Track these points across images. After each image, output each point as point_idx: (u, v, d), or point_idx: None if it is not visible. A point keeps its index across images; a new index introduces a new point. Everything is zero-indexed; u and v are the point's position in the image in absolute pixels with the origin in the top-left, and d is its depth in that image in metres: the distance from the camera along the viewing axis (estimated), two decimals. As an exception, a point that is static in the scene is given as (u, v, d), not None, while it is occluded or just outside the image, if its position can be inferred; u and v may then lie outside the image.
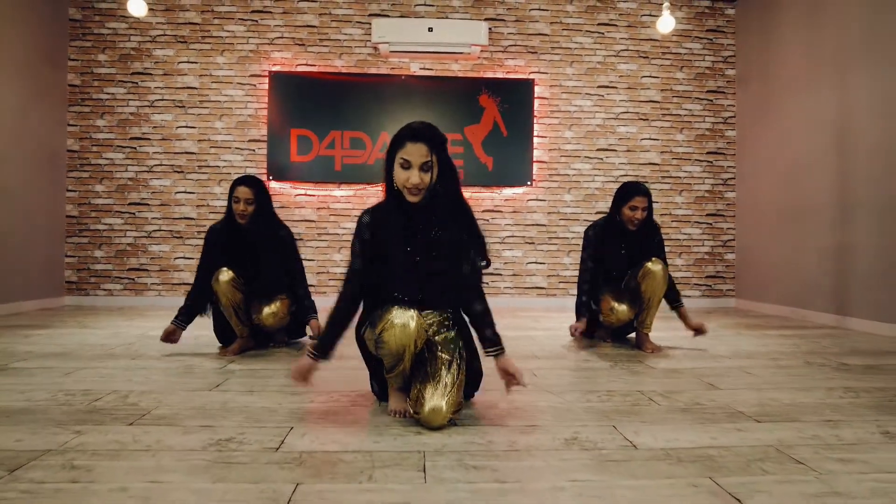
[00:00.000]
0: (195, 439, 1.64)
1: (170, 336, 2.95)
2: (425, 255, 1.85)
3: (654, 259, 3.13)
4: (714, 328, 4.13)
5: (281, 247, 3.11)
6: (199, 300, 3.02)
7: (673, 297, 3.28)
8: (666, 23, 3.90)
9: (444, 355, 1.84)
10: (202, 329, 3.57)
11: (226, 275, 2.90)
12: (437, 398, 1.74)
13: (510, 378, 1.88)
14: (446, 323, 1.95)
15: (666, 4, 3.86)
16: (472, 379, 2.02)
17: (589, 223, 5.27)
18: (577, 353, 3.11)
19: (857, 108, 4.11)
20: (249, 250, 3.02)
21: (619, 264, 3.27)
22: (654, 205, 3.64)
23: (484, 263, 1.95)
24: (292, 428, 1.75)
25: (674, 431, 1.76)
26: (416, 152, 1.74)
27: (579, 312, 3.34)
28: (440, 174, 1.80)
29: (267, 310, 3.02)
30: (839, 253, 4.25)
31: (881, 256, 3.87)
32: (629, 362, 2.86)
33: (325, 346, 1.89)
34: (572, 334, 3.36)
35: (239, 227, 3.02)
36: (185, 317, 2.99)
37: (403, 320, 1.73)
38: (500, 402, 2.07)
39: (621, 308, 3.18)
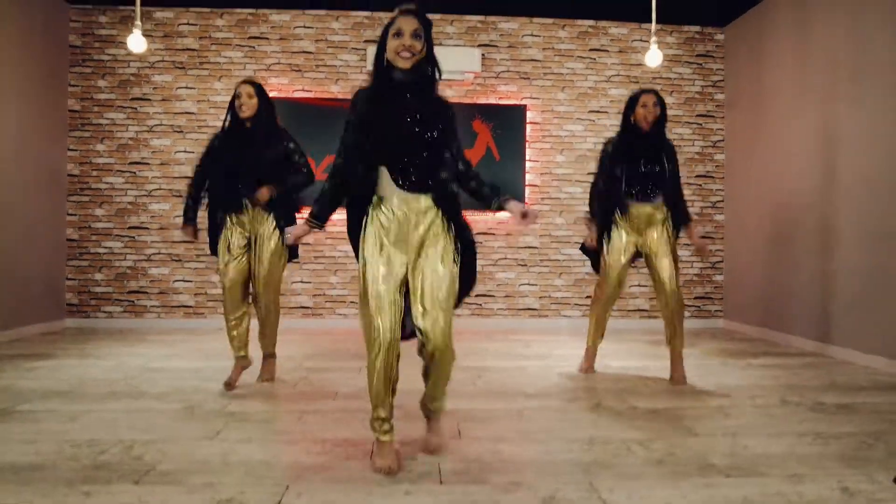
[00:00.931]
0: (198, 499, 1.75)
1: (192, 236, 3.20)
2: (420, 125, 1.93)
3: (668, 277, 3.26)
4: (700, 356, 4.26)
5: (282, 148, 3.09)
6: (196, 199, 3.20)
7: (681, 219, 3.31)
8: (654, 57, 4.01)
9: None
10: (203, 360, 3.68)
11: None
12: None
13: (524, 218, 1.96)
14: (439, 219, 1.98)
15: (654, 39, 3.97)
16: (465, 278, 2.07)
17: (579, 243, 5.39)
18: (568, 386, 3.22)
19: (841, 139, 4.22)
20: (249, 148, 3.00)
21: (638, 177, 3.24)
22: None
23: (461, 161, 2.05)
24: (288, 486, 1.86)
25: (647, 488, 1.87)
26: (407, 23, 1.89)
27: (589, 217, 3.47)
28: (428, 52, 1.94)
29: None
30: (823, 280, 4.37)
31: (863, 287, 3.99)
32: (614, 399, 2.98)
33: (321, 215, 2.05)
34: (583, 248, 3.51)
35: (242, 126, 3.02)
36: (192, 214, 3.20)
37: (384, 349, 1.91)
38: (484, 455, 2.18)
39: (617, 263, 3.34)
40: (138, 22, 3.74)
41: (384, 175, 1.96)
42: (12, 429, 2.41)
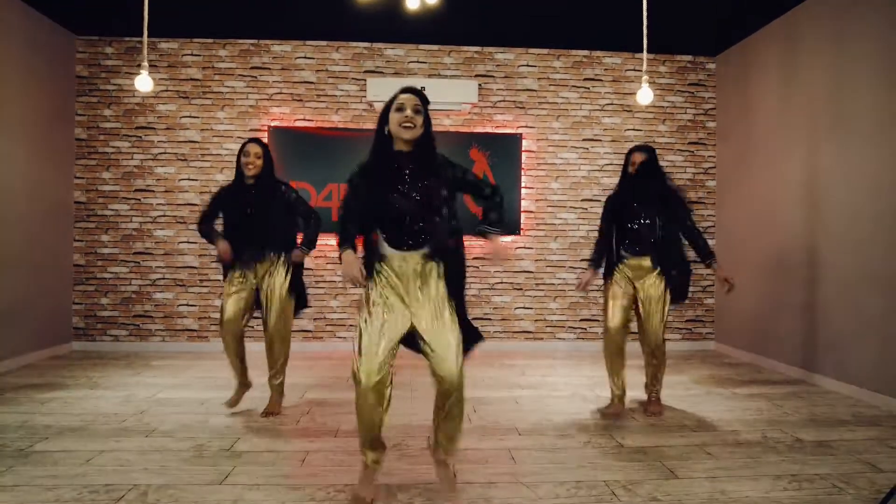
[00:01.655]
0: (210, 553, 1.89)
1: (226, 255, 3.29)
2: (418, 196, 2.12)
3: (654, 329, 3.43)
4: (688, 383, 4.41)
5: (283, 201, 3.34)
6: (210, 232, 3.41)
7: (704, 255, 3.51)
8: (645, 95, 4.15)
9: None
10: (209, 390, 3.81)
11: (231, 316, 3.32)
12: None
13: (498, 254, 2.27)
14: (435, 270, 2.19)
15: (645, 78, 4.11)
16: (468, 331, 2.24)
17: (574, 270, 5.52)
18: (559, 421, 3.36)
19: (825, 175, 4.37)
20: (252, 206, 3.26)
21: (630, 234, 3.44)
22: None
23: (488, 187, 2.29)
24: (294, 538, 2.00)
25: (628, 539, 2.02)
26: (408, 100, 2.11)
27: (592, 266, 3.58)
28: (425, 130, 2.13)
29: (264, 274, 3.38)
30: (808, 311, 4.53)
31: (845, 320, 4.14)
32: (601, 437, 3.12)
33: (348, 240, 2.20)
34: (579, 286, 3.60)
35: (245, 184, 3.29)
36: (214, 235, 3.36)
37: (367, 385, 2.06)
38: (478, 501, 2.32)
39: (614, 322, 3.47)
40: (145, 63, 3.87)
41: (382, 238, 2.17)
42: (33, 472, 2.54)
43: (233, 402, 3.47)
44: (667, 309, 3.49)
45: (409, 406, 3.63)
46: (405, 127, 2.08)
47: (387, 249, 2.17)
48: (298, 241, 3.48)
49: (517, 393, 4.07)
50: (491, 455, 2.85)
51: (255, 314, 3.52)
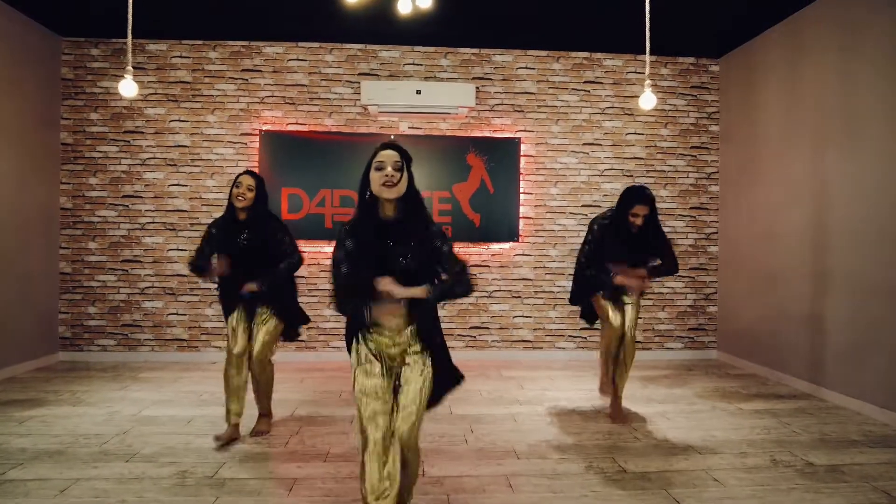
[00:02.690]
0: None
1: (220, 272, 3.19)
2: (403, 259, 2.02)
3: (629, 326, 3.63)
4: (692, 398, 4.27)
5: (272, 233, 3.24)
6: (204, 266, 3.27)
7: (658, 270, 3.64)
8: (648, 100, 4.00)
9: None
10: (196, 407, 3.67)
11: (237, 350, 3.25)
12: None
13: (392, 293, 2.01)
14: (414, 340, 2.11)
15: (648, 82, 3.96)
16: (446, 377, 2.18)
17: (569, 293, 5.41)
18: (559, 442, 3.23)
19: (830, 184, 4.24)
20: (247, 241, 3.18)
21: (619, 259, 3.53)
22: None
23: (458, 265, 2.11)
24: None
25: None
26: (388, 156, 2.01)
27: (599, 287, 3.64)
28: (408, 186, 2.03)
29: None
30: (813, 322, 4.39)
31: (852, 333, 4.01)
32: (603, 460, 2.99)
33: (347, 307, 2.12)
34: (583, 314, 3.91)
35: (236, 217, 3.19)
36: (208, 266, 3.25)
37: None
38: (474, 540, 2.19)
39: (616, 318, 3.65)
40: (129, 67, 3.68)
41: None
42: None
43: (224, 438, 3.21)
44: (639, 308, 3.78)
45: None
46: (386, 186, 1.97)
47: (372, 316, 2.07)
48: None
49: (515, 409, 3.93)
50: (488, 482, 2.71)
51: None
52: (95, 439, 3.23)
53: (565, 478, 2.78)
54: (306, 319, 3.49)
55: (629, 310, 3.68)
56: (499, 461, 2.99)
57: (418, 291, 1.99)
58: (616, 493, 2.60)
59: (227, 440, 3.19)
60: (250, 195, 3.17)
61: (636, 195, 3.42)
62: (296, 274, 3.39)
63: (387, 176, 1.96)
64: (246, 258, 3.19)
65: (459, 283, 2.06)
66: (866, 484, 2.72)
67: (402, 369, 2.08)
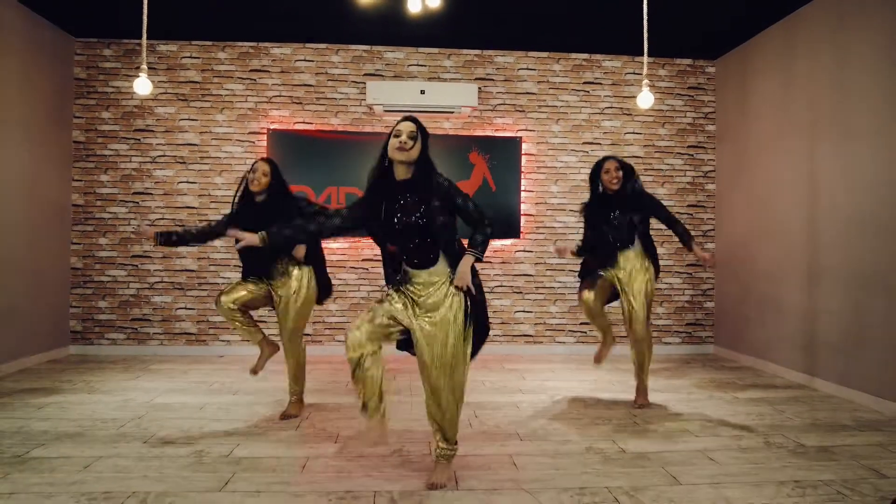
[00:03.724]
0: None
1: (142, 235, 3.39)
2: (420, 220, 2.31)
3: (639, 320, 3.67)
4: (688, 387, 4.39)
5: (296, 211, 3.30)
6: (193, 235, 3.39)
7: (683, 240, 3.73)
8: (645, 99, 4.14)
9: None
10: (207, 395, 3.77)
11: (226, 300, 3.34)
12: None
13: (462, 277, 2.35)
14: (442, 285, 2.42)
15: (645, 82, 4.10)
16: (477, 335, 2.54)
17: (574, 273, 5.54)
18: (560, 427, 3.34)
19: (824, 178, 4.37)
20: (262, 219, 3.18)
21: (612, 230, 3.70)
22: None
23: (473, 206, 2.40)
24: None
25: (633, 547, 2.00)
26: (405, 126, 2.32)
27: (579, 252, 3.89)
28: (420, 153, 2.32)
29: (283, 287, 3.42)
30: (808, 315, 4.52)
31: (845, 324, 4.14)
32: (604, 441, 3.11)
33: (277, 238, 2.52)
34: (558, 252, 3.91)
35: (255, 200, 3.32)
36: (165, 237, 3.32)
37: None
38: (481, 509, 2.30)
39: (589, 297, 3.79)
40: (144, 66, 3.84)
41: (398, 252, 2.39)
42: (29, 479, 2.52)
43: (257, 369, 3.54)
44: (651, 302, 3.78)
45: (408, 411, 3.61)
46: (399, 149, 2.29)
47: (402, 264, 2.46)
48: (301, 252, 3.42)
49: (518, 398, 4.04)
50: (493, 461, 2.83)
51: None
52: (112, 423, 3.34)
53: (567, 457, 2.89)
54: (329, 292, 3.58)
55: (637, 307, 3.67)
56: (503, 442, 3.11)
57: (468, 262, 2.32)
58: (616, 470, 2.71)
59: (261, 365, 3.56)
60: (265, 180, 3.29)
61: (602, 158, 3.77)
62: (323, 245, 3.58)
63: (401, 142, 2.24)
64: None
65: (489, 234, 2.39)
66: (855, 462, 2.84)
67: (430, 321, 2.38)
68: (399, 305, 2.42)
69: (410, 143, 2.25)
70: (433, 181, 2.32)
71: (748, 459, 2.86)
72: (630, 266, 3.72)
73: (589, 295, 3.81)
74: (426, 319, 2.39)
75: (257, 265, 3.40)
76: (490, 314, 5.67)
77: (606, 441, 3.13)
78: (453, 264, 2.38)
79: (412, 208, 2.28)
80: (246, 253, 3.29)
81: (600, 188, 3.79)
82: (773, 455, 2.93)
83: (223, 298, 3.35)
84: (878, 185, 3.87)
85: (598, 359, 4.02)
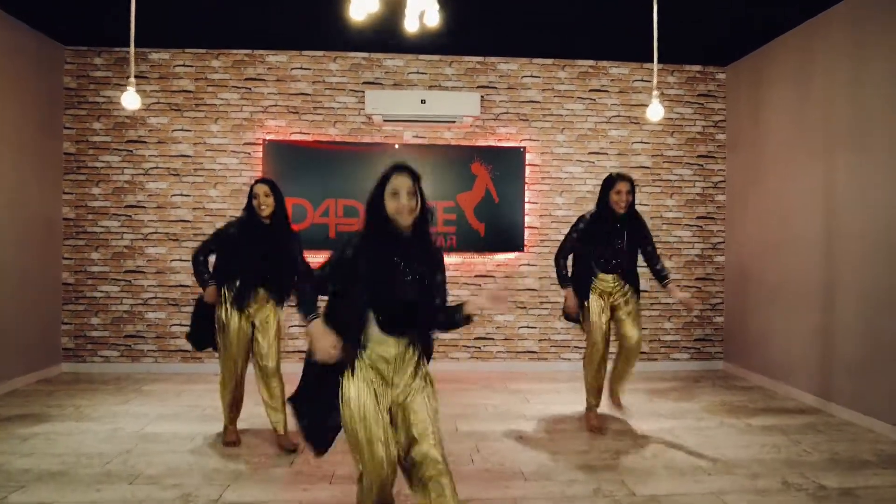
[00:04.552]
0: None
1: (212, 300, 3.36)
2: (413, 281, 2.00)
3: (633, 334, 3.67)
4: (698, 411, 4.23)
5: (295, 243, 3.37)
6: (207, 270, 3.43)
7: (660, 279, 3.73)
8: (655, 111, 3.97)
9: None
10: (199, 423, 3.62)
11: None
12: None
13: (495, 300, 2.04)
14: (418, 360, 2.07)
15: (655, 93, 3.92)
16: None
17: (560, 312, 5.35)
18: (566, 462, 3.19)
19: (839, 194, 4.19)
20: (268, 245, 3.28)
21: (608, 253, 3.69)
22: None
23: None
24: None
25: None
26: (402, 184, 1.98)
27: (563, 283, 3.80)
28: (421, 207, 2.03)
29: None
30: (823, 335, 4.34)
31: (862, 346, 3.96)
32: (612, 483, 2.95)
33: (311, 310, 1.95)
34: (567, 315, 3.88)
35: (262, 223, 3.28)
36: (206, 277, 3.40)
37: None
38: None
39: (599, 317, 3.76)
40: (132, 79, 3.66)
41: (370, 319, 1.96)
42: (4, 534, 2.38)
43: (231, 441, 3.44)
44: (640, 317, 3.82)
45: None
46: (403, 215, 1.96)
47: (374, 332, 1.97)
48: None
49: (522, 426, 3.89)
50: (495, 508, 2.68)
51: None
52: (98, 459, 3.20)
53: (574, 501, 2.74)
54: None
55: (630, 323, 3.72)
56: (506, 483, 2.96)
57: (473, 306, 2.03)
58: (626, 519, 2.56)
59: (234, 441, 3.43)
60: (270, 201, 3.26)
61: (616, 175, 3.64)
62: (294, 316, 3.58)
63: (402, 206, 1.94)
64: (262, 264, 3.28)
65: (454, 314, 2.06)
66: (880, 509, 2.68)
67: (407, 394, 2.01)
68: (378, 411, 1.96)
69: (412, 200, 1.98)
70: (432, 244, 2.08)
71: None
72: (614, 285, 3.75)
73: (599, 333, 3.74)
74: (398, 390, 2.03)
75: (252, 287, 3.33)
76: (493, 330, 5.52)
77: (615, 482, 2.97)
78: (424, 341, 2.07)
79: (413, 267, 2.00)
80: (246, 275, 3.29)
81: (607, 206, 3.66)
82: (792, 499, 2.77)
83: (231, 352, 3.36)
84: (895, 203, 3.69)
85: (601, 427, 3.79)
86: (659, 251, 5.54)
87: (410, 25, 2.48)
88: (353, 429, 1.91)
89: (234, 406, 3.45)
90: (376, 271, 1.94)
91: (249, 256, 3.25)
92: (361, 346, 1.97)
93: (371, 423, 1.90)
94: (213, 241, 3.40)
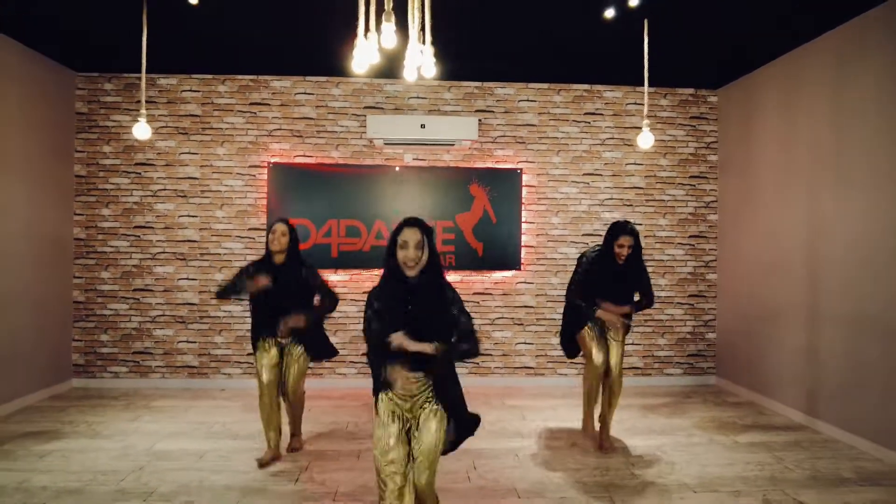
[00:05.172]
0: None
1: (258, 286, 3.47)
2: (420, 321, 2.21)
3: (615, 364, 3.88)
4: (689, 427, 4.38)
5: (306, 280, 3.60)
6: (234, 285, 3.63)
7: (640, 307, 3.95)
8: (646, 139, 4.14)
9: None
10: (208, 440, 3.77)
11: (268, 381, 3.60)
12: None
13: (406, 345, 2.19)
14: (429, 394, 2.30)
15: (646, 122, 4.10)
16: (463, 426, 2.40)
17: (559, 328, 5.53)
18: (559, 480, 3.34)
19: (825, 217, 4.34)
20: (278, 284, 3.50)
21: (605, 293, 3.83)
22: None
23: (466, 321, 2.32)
24: None
25: None
26: (411, 236, 2.21)
27: (586, 319, 3.92)
28: (430, 256, 2.25)
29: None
30: (808, 354, 4.50)
31: (847, 367, 4.12)
32: (601, 500, 3.10)
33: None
34: (566, 348, 4.18)
35: (274, 263, 3.55)
36: (242, 281, 3.58)
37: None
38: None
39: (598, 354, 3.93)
40: (143, 111, 3.90)
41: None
42: (28, 551, 2.53)
43: (267, 461, 3.61)
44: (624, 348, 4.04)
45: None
46: (409, 266, 2.21)
47: (393, 368, 2.21)
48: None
49: (517, 444, 4.04)
50: (490, 526, 2.83)
51: None
52: (112, 476, 3.36)
53: (565, 520, 2.89)
54: (334, 352, 3.86)
55: (614, 347, 3.93)
56: (500, 500, 3.11)
57: (427, 347, 2.16)
58: (613, 536, 2.71)
59: (269, 461, 3.61)
60: (284, 240, 3.53)
61: (621, 227, 3.77)
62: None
63: (409, 257, 2.18)
64: (279, 297, 3.51)
65: (466, 340, 2.26)
66: (854, 527, 2.83)
67: (420, 418, 2.26)
68: (397, 434, 2.25)
69: (419, 254, 2.20)
70: (443, 288, 2.27)
71: (746, 523, 2.85)
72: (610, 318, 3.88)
73: (598, 354, 3.91)
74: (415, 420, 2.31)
75: (269, 319, 3.55)
76: (491, 346, 5.68)
77: (604, 499, 3.12)
78: (438, 376, 2.28)
79: (419, 315, 2.21)
80: (262, 311, 3.56)
81: (610, 252, 3.82)
82: (771, 517, 2.92)
83: (266, 383, 3.60)
84: (881, 225, 3.85)
85: (606, 446, 3.91)
86: (652, 270, 5.76)
87: (409, 76, 2.65)
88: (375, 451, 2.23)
89: (269, 423, 3.61)
90: (388, 319, 2.19)
91: (262, 294, 3.50)
92: (383, 379, 2.24)
93: (389, 452, 2.22)
94: (237, 279, 3.62)
